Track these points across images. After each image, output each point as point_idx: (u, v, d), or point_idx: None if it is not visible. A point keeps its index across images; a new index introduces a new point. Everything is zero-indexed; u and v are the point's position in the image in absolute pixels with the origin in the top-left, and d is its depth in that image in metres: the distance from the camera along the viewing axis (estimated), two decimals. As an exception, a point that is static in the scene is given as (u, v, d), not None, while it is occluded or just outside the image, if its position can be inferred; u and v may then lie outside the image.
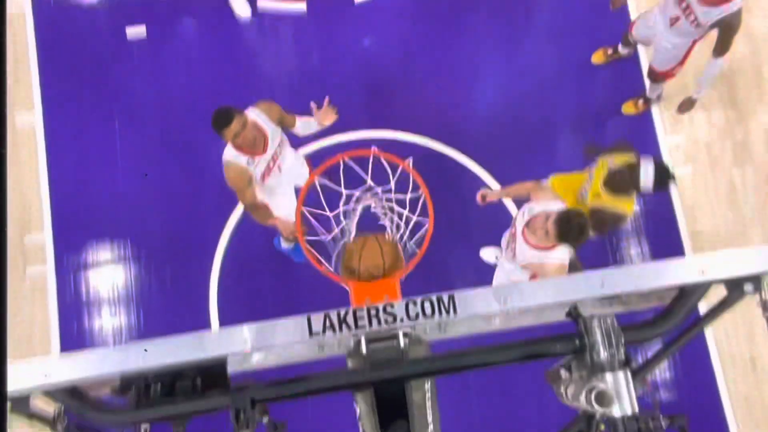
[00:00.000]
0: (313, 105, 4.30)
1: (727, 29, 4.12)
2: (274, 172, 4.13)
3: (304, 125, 4.25)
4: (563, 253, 3.59)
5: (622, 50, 5.28)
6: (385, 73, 5.43)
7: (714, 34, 4.26)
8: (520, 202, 5.24)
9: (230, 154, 3.91)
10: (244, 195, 4.07)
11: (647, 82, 5.24)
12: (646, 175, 3.62)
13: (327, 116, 4.29)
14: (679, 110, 5.20)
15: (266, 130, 3.95)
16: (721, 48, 4.27)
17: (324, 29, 5.51)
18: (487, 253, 5.06)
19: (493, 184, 5.18)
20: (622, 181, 3.72)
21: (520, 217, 3.72)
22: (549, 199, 3.72)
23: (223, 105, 3.79)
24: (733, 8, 4.00)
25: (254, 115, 3.92)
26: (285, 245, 4.94)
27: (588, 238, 3.34)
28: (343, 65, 5.43)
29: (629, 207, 3.86)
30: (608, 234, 3.97)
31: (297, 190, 4.38)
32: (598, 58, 5.40)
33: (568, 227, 3.24)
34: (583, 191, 4.06)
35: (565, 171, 5.24)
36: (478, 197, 4.33)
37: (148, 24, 5.44)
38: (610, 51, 5.35)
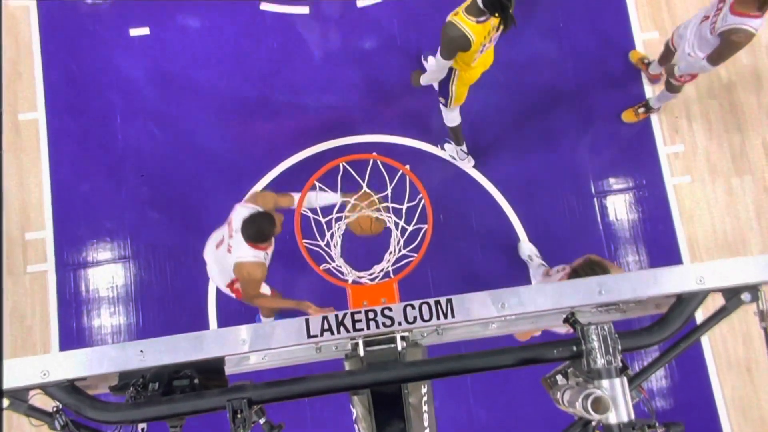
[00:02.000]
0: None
1: (727, 43, 4.10)
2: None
3: (317, 198, 3.87)
4: None
5: (654, 71, 5.32)
6: (387, 77, 5.43)
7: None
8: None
9: (251, 254, 3.81)
10: (258, 287, 4.00)
11: (655, 91, 5.27)
12: None
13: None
14: (667, 73, 4.96)
15: None
16: (715, 56, 4.26)
17: (326, 32, 5.52)
18: (523, 249, 5.03)
19: (493, 191, 5.18)
20: (476, 6, 3.76)
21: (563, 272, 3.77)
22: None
23: (257, 216, 3.76)
24: (744, 24, 3.95)
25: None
26: (264, 319, 4.89)
27: None
28: (344, 68, 5.43)
29: (477, 33, 3.87)
30: (448, 56, 4.03)
31: None
32: (635, 59, 5.44)
33: (578, 276, 3.31)
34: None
35: (560, 174, 5.26)
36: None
37: (151, 22, 5.45)
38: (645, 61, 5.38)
